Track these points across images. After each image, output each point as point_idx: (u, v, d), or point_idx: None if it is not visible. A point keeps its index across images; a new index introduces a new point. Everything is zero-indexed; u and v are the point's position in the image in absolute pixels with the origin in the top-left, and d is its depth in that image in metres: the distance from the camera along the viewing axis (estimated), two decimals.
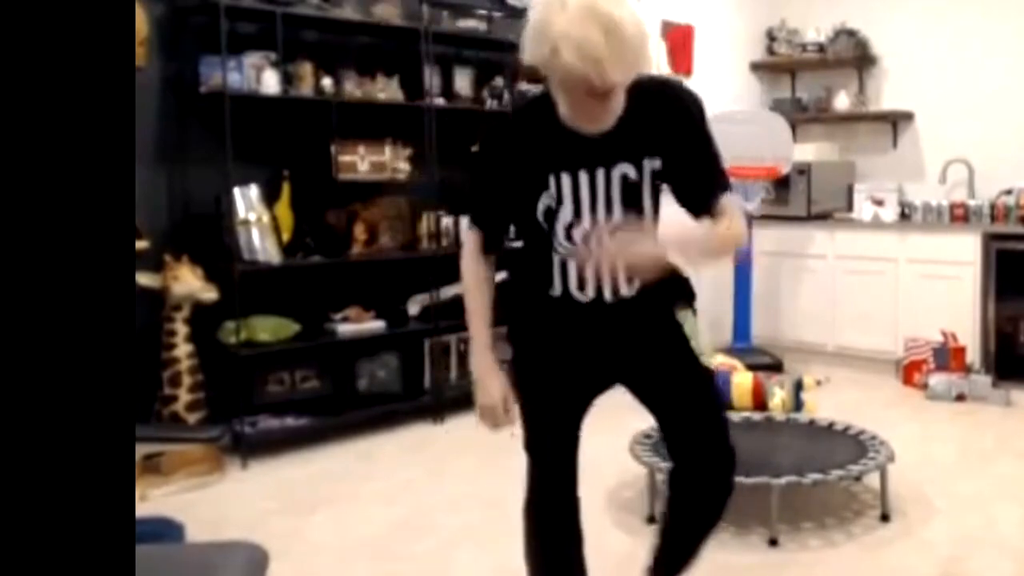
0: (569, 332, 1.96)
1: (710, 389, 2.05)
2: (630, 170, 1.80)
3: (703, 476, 2.05)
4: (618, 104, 1.75)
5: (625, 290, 1.88)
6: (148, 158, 3.89)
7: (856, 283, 5.50)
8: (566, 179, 1.80)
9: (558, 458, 2.08)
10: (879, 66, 5.98)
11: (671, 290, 1.98)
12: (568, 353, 1.99)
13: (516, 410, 2.01)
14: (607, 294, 1.88)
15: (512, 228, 2.00)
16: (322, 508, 3.39)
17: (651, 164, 1.81)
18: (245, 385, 4.02)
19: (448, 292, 4.57)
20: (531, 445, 2.07)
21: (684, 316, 1.99)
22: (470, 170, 1.97)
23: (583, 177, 1.80)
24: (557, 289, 1.90)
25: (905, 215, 5.44)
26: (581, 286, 1.88)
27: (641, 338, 1.97)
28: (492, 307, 2.03)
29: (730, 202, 1.84)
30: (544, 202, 1.82)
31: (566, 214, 1.82)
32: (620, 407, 4.32)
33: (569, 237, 1.83)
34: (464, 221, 2.08)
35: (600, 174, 1.80)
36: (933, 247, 5.21)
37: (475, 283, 2.01)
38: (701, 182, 1.85)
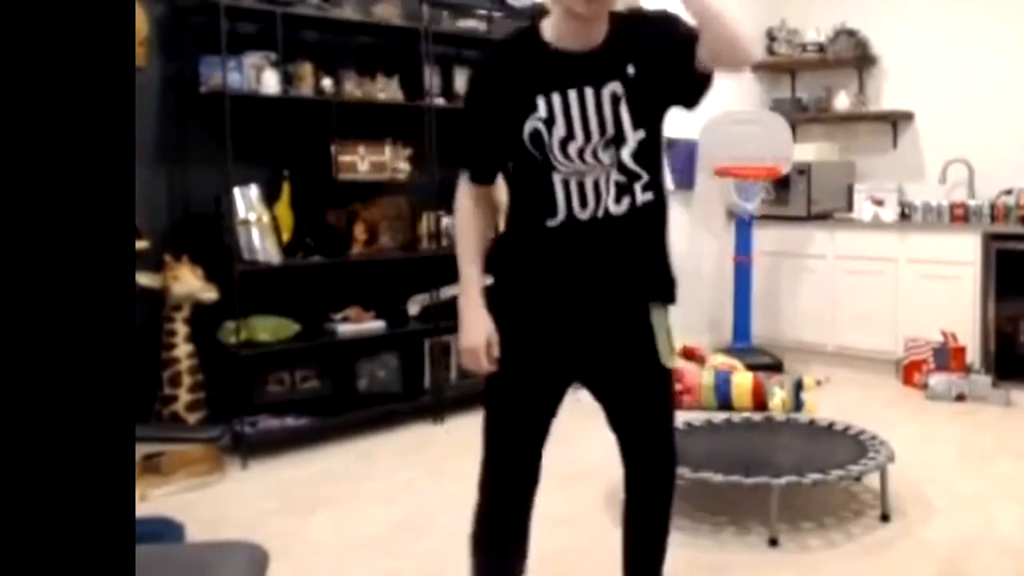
0: (557, 275, 1.94)
1: (666, 394, 2.08)
2: (619, 88, 1.86)
3: (648, 476, 2.10)
4: (604, 22, 1.86)
5: (614, 208, 1.90)
6: (148, 158, 3.89)
7: (856, 283, 5.50)
8: (556, 98, 1.85)
9: (521, 449, 2.02)
10: (879, 66, 5.98)
11: (653, 284, 2.01)
12: (547, 313, 1.97)
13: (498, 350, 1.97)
14: (600, 211, 1.90)
15: (503, 171, 2.00)
16: (322, 508, 3.39)
17: (633, 70, 1.86)
18: (245, 385, 4.02)
19: (448, 292, 4.58)
20: (492, 428, 2.02)
21: (658, 318, 2.01)
22: (460, 113, 2.01)
23: (572, 95, 1.85)
24: (561, 213, 1.90)
25: (905, 215, 5.44)
26: (583, 202, 1.90)
27: (612, 328, 1.98)
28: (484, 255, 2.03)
29: None
30: (531, 125, 1.86)
31: (559, 131, 1.86)
32: None
33: (566, 154, 1.87)
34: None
35: (589, 92, 1.85)
36: (933, 247, 5.21)
37: (467, 221, 2.01)
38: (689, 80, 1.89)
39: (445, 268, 4.51)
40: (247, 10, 3.96)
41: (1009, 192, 5.16)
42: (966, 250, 5.07)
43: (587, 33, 1.85)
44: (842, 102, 5.99)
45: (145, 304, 3.74)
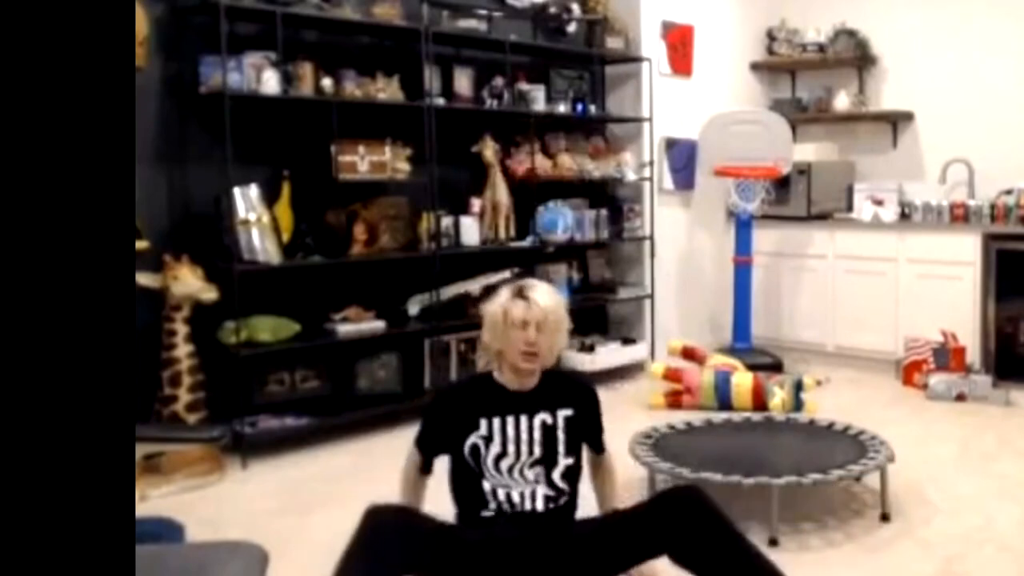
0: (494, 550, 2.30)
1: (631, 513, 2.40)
2: (547, 417, 2.39)
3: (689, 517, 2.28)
4: (538, 374, 2.43)
5: (540, 506, 2.35)
6: (148, 158, 3.89)
7: (856, 283, 5.50)
8: (496, 421, 2.36)
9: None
10: (879, 66, 5.98)
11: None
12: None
13: None
14: (526, 508, 2.33)
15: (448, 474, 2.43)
16: (322, 508, 3.39)
17: (564, 412, 2.41)
18: (245, 385, 4.02)
19: (448, 292, 4.58)
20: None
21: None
22: (424, 412, 2.55)
23: (510, 420, 2.37)
24: (491, 509, 2.33)
25: (905, 215, 5.44)
26: (511, 505, 2.33)
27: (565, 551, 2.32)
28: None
29: (610, 459, 2.66)
30: (471, 441, 2.34)
31: (495, 448, 2.34)
32: (619, 404, 4.35)
33: (498, 468, 2.34)
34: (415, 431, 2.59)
35: (523, 419, 2.38)
36: (933, 247, 5.21)
37: (404, 481, 2.57)
38: (594, 438, 2.57)
39: (445, 268, 4.52)
40: (247, 10, 3.96)
41: (1009, 192, 5.16)
42: (966, 250, 5.07)
43: (526, 380, 2.42)
44: (842, 102, 5.99)
45: (145, 304, 3.74)
